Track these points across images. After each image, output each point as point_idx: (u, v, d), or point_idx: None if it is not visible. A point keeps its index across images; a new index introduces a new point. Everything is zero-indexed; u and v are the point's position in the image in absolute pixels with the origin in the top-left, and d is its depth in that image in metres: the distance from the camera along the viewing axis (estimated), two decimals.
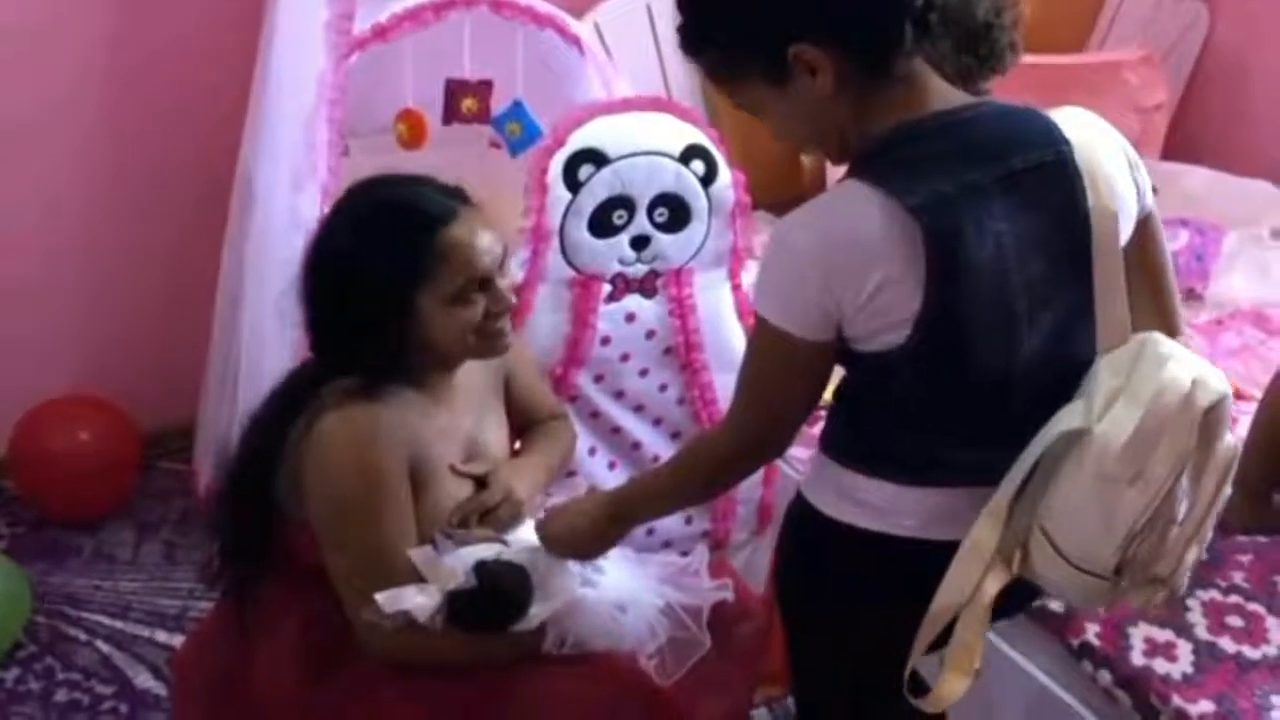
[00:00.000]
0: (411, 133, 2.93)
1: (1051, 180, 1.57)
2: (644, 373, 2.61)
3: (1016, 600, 1.78)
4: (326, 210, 1.94)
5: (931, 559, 1.65)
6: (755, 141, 3.60)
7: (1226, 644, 2.20)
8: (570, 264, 2.45)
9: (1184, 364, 1.58)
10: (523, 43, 2.95)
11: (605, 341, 2.53)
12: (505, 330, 1.92)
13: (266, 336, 2.78)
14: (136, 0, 3.12)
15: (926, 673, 1.74)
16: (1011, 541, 1.63)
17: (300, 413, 1.83)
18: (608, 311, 2.51)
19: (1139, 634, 2.21)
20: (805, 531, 1.80)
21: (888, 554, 1.70)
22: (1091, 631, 2.22)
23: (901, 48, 1.53)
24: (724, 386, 2.65)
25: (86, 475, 3.19)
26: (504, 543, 1.91)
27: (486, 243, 1.87)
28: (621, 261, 2.48)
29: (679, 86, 3.58)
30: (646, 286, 2.53)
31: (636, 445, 2.65)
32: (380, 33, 2.76)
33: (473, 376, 2.01)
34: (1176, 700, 2.10)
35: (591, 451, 2.61)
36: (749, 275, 2.86)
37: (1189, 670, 2.15)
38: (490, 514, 1.94)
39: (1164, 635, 2.21)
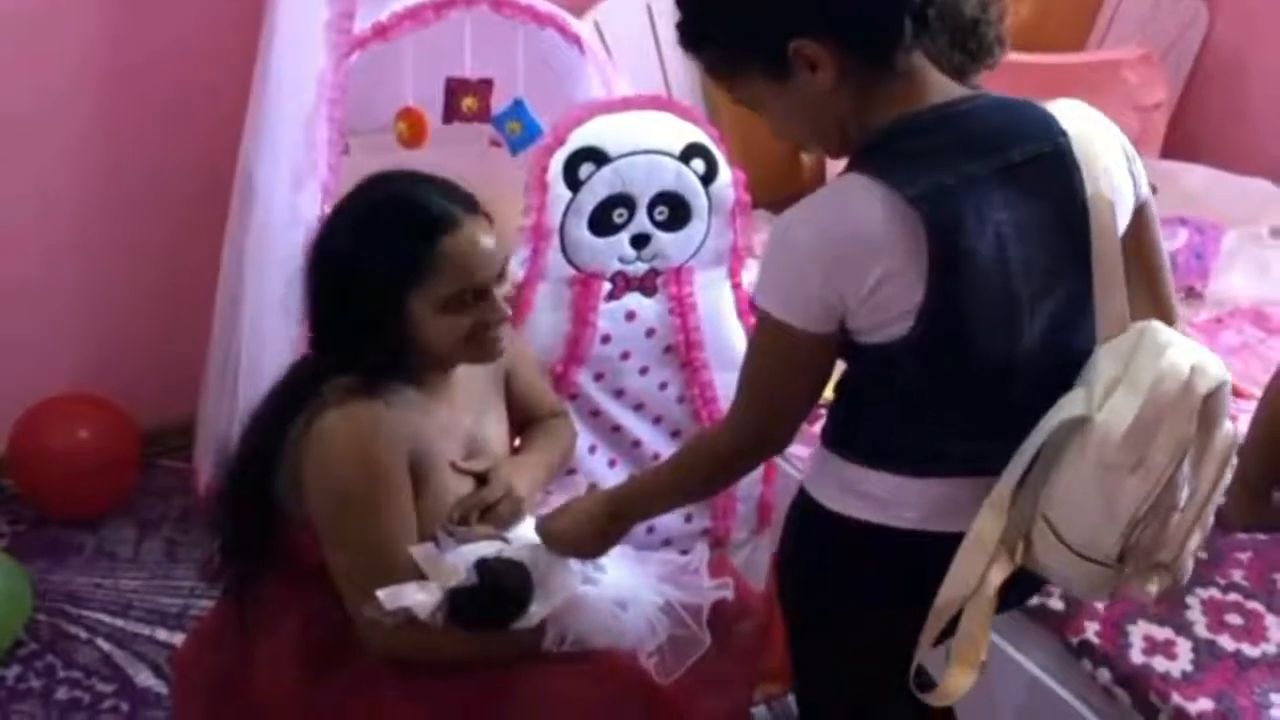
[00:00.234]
0: (412, 131, 2.93)
1: (1050, 171, 1.58)
2: (644, 371, 2.61)
3: (1020, 591, 1.79)
4: (332, 205, 1.93)
5: (933, 552, 1.65)
6: (755, 140, 3.60)
7: (1226, 642, 2.20)
8: (570, 262, 2.46)
9: (1183, 351, 1.59)
10: (523, 41, 2.95)
11: (605, 340, 2.53)
12: (499, 338, 1.91)
13: (267, 334, 2.78)
14: None
15: (933, 670, 1.75)
16: (1014, 531, 1.64)
17: (301, 410, 1.83)
18: (608, 310, 2.51)
19: (1138, 632, 2.21)
20: (808, 526, 1.81)
21: (890, 547, 1.71)
22: (1091, 630, 2.22)
23: (901, 43, 1.54)
24: (724, 385, 2.65)
25: (86, 473, 3.19)
26: (505, 540, 1.92)
27: (485, 253, 1.85)
28: (622, 260, 2.48)
29: (679, 85, 3.58)
30: (647, 285, 2.53)
31: (636, 443, 2.65)
32: (381, 31, 2.77)
33: (473, 374, 2.01)
34: (1176, 698, 2.10)
35: (592, 449, 2.61)
36: (749, 274, 2.86)
37: (1188, 668, 2.15)
38: (491, 511, 1.95)
39: (1163, 633, 2.21)
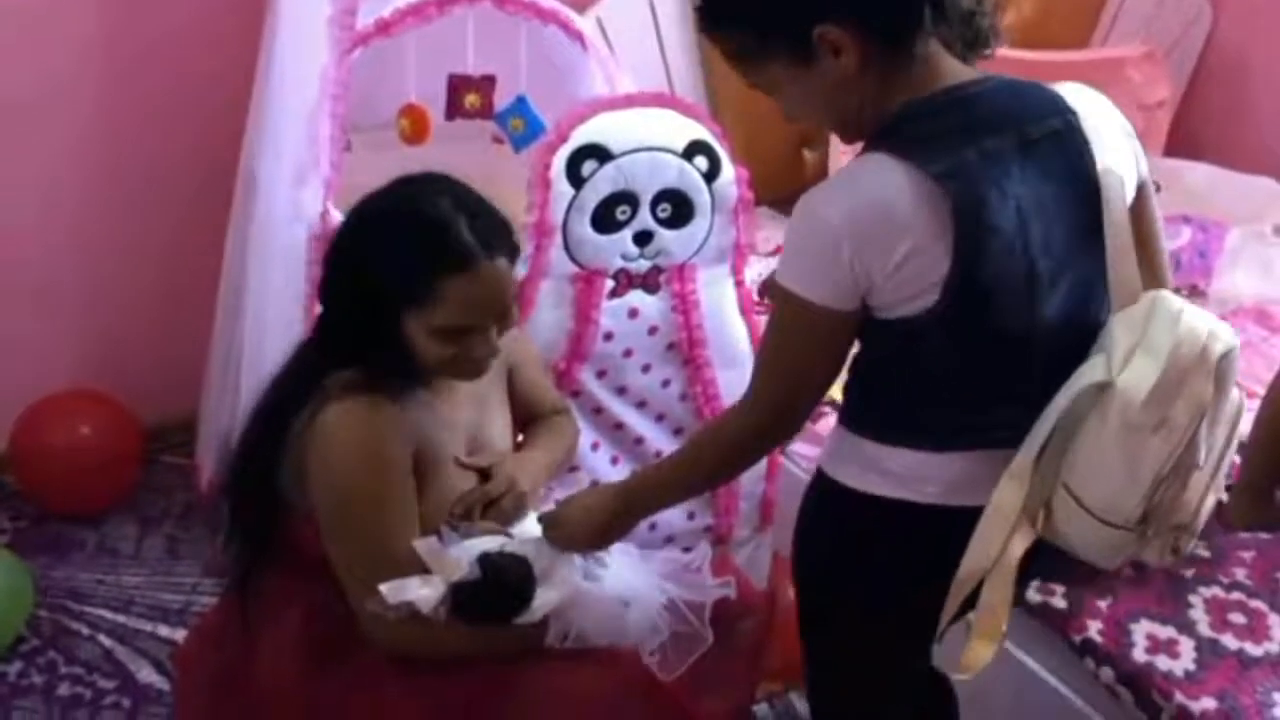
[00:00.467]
0: (414, 128, 2.93)
1: (1062, 148, 1.63)
2: (646, 368, 2.61)
3: (1039, 566, 1.81)
4: (375, 192, 1.88)
5: (954, 526, 1.68)
6: (758, 137, 3.61)
7: (1229, 641, 2.20)
8: (573, 259, 2.45)
9: (1198, 316, 1.65)
10: (526, 38, 2.95)
11: (608, 337, 2.53)
12: (483, 366, 1.90)
13: (269, 330, 2.78)
14: None
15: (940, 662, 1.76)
16: (1035, 501, 1.67)
17: (304, 403, 1.83)
18: (610, 307, 2.51)
19: (1141, 631, 2.21)
20: (826, 505, 1.83)
21: (911, 522, 1.74)
22: (1093, 628, 2.22)
23: (922, 28, 1.58)
24: (726, 383, 2.65)
25: (88, 469, 3.20)
26: (508, 535, 1.92)
27: (491, 299, 1.83)
28: (624, 257, 2.48)
29: (682, 82, 3.57)
30: (649, 282, 2.53)
31: (639, 441, 2.65)
32: (383, 28, 2.76)
33: None
34: (1179, 697, 2.10)
35: (594, 447, 2.61)
36: (752, 271, 2.87)
37: (1191, 667, 2.15)
38: (494, 506, 1.94)
39: (1166, 632, 2.21)
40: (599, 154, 2.38)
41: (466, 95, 2.97)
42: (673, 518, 2.72)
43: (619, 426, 2.63)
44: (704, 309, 2.59)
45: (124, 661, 2.82)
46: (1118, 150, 1.68)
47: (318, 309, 2.63)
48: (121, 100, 3.21)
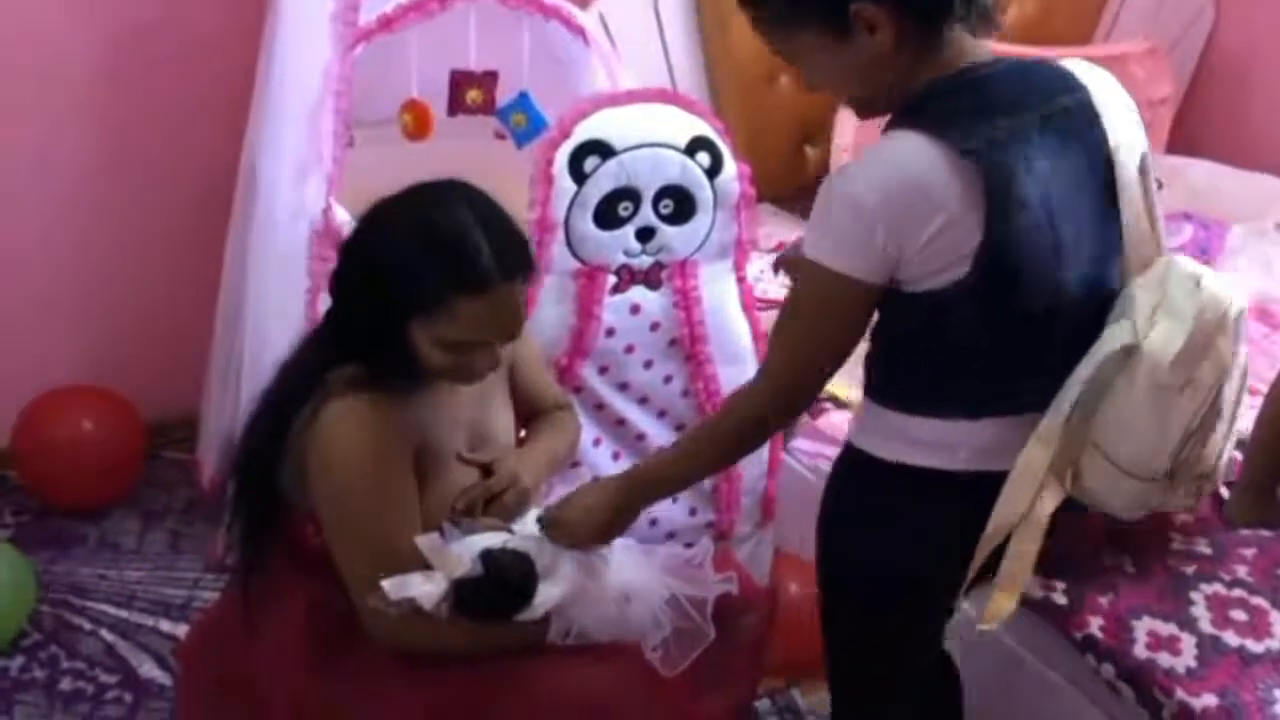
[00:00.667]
0: (417, 123, 2.93)
1: (1077, 122, 1.70)
2: (648, 364, 2.61)
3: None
4: (403, 190, 1.86)
5: (983, 491, 1.75)
6: (760, 133, 3.62)
7: (1230, 638, 2.20)
8: (575, 255, 2.46)
9: (1217, 281, 1.74)
10: (528, 34, 2.95)
11: (610, 333, 2.53)
12: (484, 375, 1.90)
13: (271, 326, 2.78)
14: None
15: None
16: (1063, 461, 1.75)
17: (306, 398, 1.83)
18: (612, 303, 2.51)
19: (1142, 627, 2.21)
20: (852, 478, 1.89)
21: (940, 488, 1.79)
22: (1095, 625, 2.22)
23: (953, 9, 1.63)
24: (728, 379, 2.65)
25: (90, 465, 3.20)
26: (510, 531, 1.92)
27: (501, 322, 1.83)
28: (626, 253, 2.48)
29: (684, 78, 3.57)
30: (651, 278, 2.53)
31: (641, 437, 2.65)
32: (386, 23, 2.76)
33: None
34: (1180, 694, 2.10)
35: (596, 442, 2.61)
36: (754, 267, 2.87)
37: (1192, 664, 2.15)
38: (496, 502, 1.95)
39: (1167, 629, 2.21)
40: (601, 150, 2.38)
41: (469, 91, 2.98)
42: (674, 513, 2.72)
43: (621, 422, 2.63)
44: (706, 305, 2.59)
45: (126, 656, 2.82)
46: (1124, 124, 1.74)
47: (320, 305, 2.64)
48: (124, 97, 3.21)
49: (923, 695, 2.12)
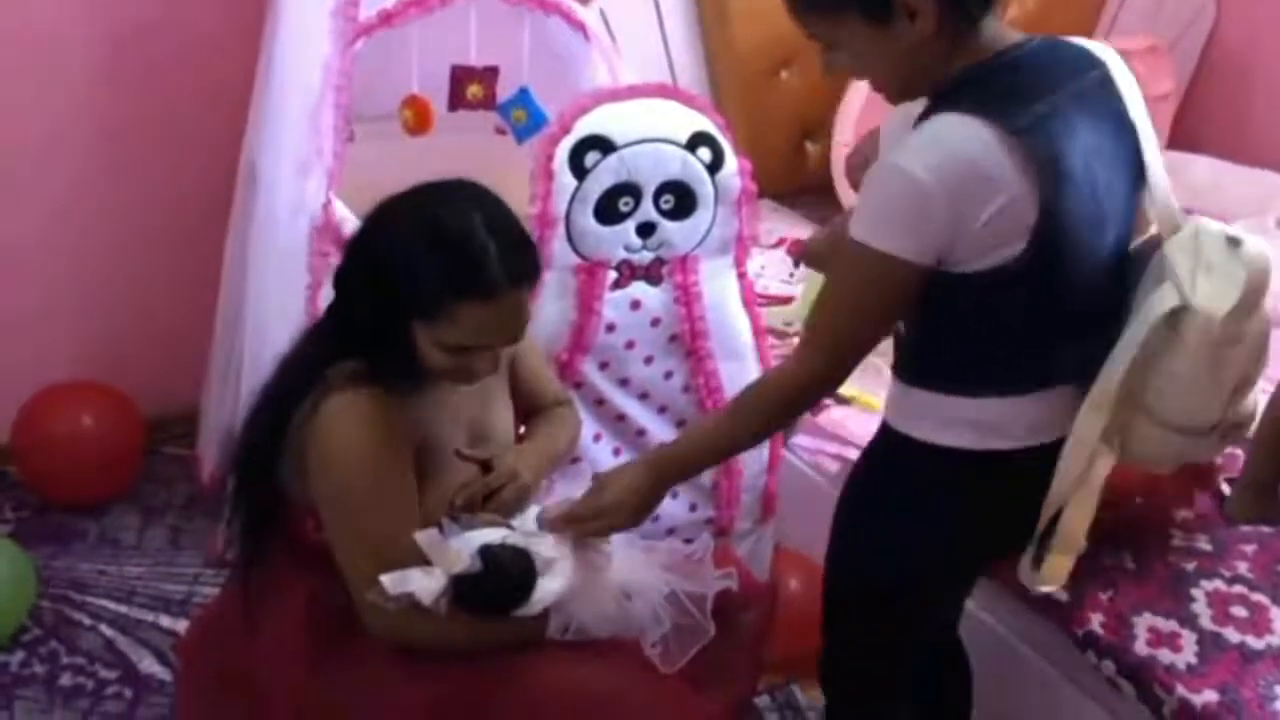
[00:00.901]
0: (417, 119, 2.92)
1: (1103, 97, 1.75)
2: (649, 360, 2.60)
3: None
4: (410, 190, 1.85)
5: (1028, 466, 1.82)
6: (761, 129, 3.62)
7: (1231, 634, 2.19)
8: (576, 251, 2.45)
9: (1255, 241, 1.77)
10: (528, 29, 2.95)
11: (610, 328, 2.53)
12: (483, 376, 1.90)
13: (271, 322, 2.78)
14: None
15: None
16: (1112, 427, 1.79)
17: (306, 393, 1.83)
18: (613, 299, 2.51)
19: (1143, 624, 2.21)
20: (898, 460, 1.90)
21: (991, 468, 1.82)
22: (1096, 621, 2.22)
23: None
24: (729, 374, 2.65)
25: (90, 460, 3.20)
26: (509, 527, 1.91)
27: (504, 327, 1.83)
28: (627, 248, 2.48)
29: (685, 73, 3.57)
30: (652, 274, 2.53)
31: (641, 432, 2.65)
32: (386, 18, 2.76)
33: None
34: (1180, 690, 2.10)
35: (596, 438, 2.61)
36: (754, 263, 2.87)
37: (1193, 660, 2.15)
38: (495, 497, 1.94)
39: (1168, 625, 2.21)
40: (602, 145, 2.37)
41: (469, 86, 2.97)
42: (675, 509, 2.72)
43: (621, 418, 2.63)
44: (706, 301, 2.59)
45: (126, 652, 2.82)
46: (1136, 98, 1.78)
47: (320, 301, 2.64)
48: (124, 95, 3.20)
49: (925, 694, 2.13)
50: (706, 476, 2.71)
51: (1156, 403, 1.80)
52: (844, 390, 2.95)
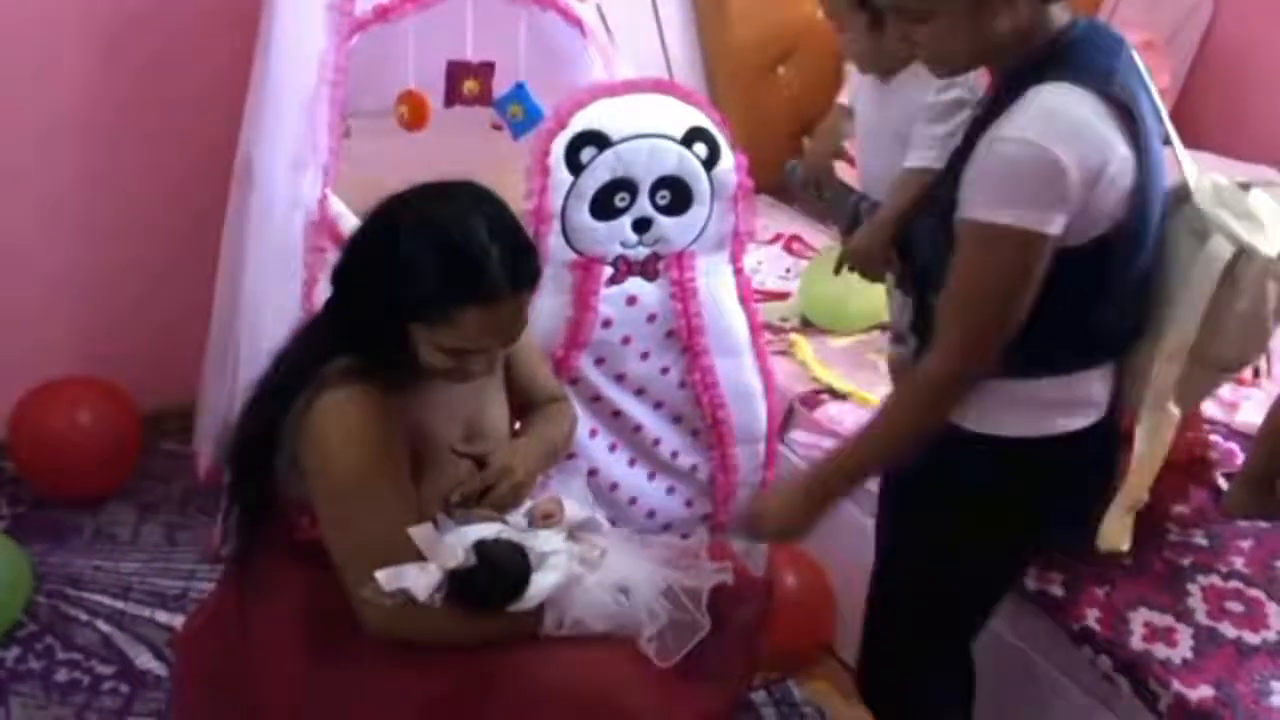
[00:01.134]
0: (413, 114, 2.92)
1: (1138, 72, 1.80)
2: (645, 356, 2.60)
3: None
4: (413, 191, 1.85)
5: (1083, 448, 1.86)
6: (758, 125, 3.61)
7: (1227, 629, 2.20)
8: (572, 246, 2.45)
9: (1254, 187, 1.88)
10: (525, 25, 2.95)
11: (606, 324, 2.53)
12: (479, 376, 1.91)
13: (267, 317, 2.78)
14: None
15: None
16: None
17: (301, 389, 1.83)
18: (609, 294, 2.51)
19: (1139, 619, 2.21)
20: (956, 461, 1.86)
21: (1055, 451, 1.85)
22: (1091, 616, 2.22)
23: None
24: (725, 370, 2.65)
25: (87, 456, 3.19)
26: (504, 522, 1.92)
27: (502, 329, 1.83)
28: (623, 244, 2.48)
29: (681, 69, 3.57)
30: (648, 269, 2.52)
31: (638, 428, 2.65)
32: (382, 14, 2.76)
33: None
34: (1176, 685, 2.10)
35: (592, 434, 2.61)
36: (751, 259, 2.86)
37: (1189, 655, 2.15)
38: (490, 493, 1.94)
39: (1164, 620, 2.21)
40: (598, 141, 2.37)
41: (465, 82, 2.97)
42: (671, 505, 2.72)
43: (617, 414, 2.63)
44: (702, 296, 2.59)
45: (122, 647, 2.82)
46: (1148, 77, 1.84)
47: (316, 296, 2.64)
48: (120, 89, 3.20)
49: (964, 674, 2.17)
50: (703, 472, 2.71)
51: (1213, 347, 1.83)
52: (840, 385, 2.95)
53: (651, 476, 2.69)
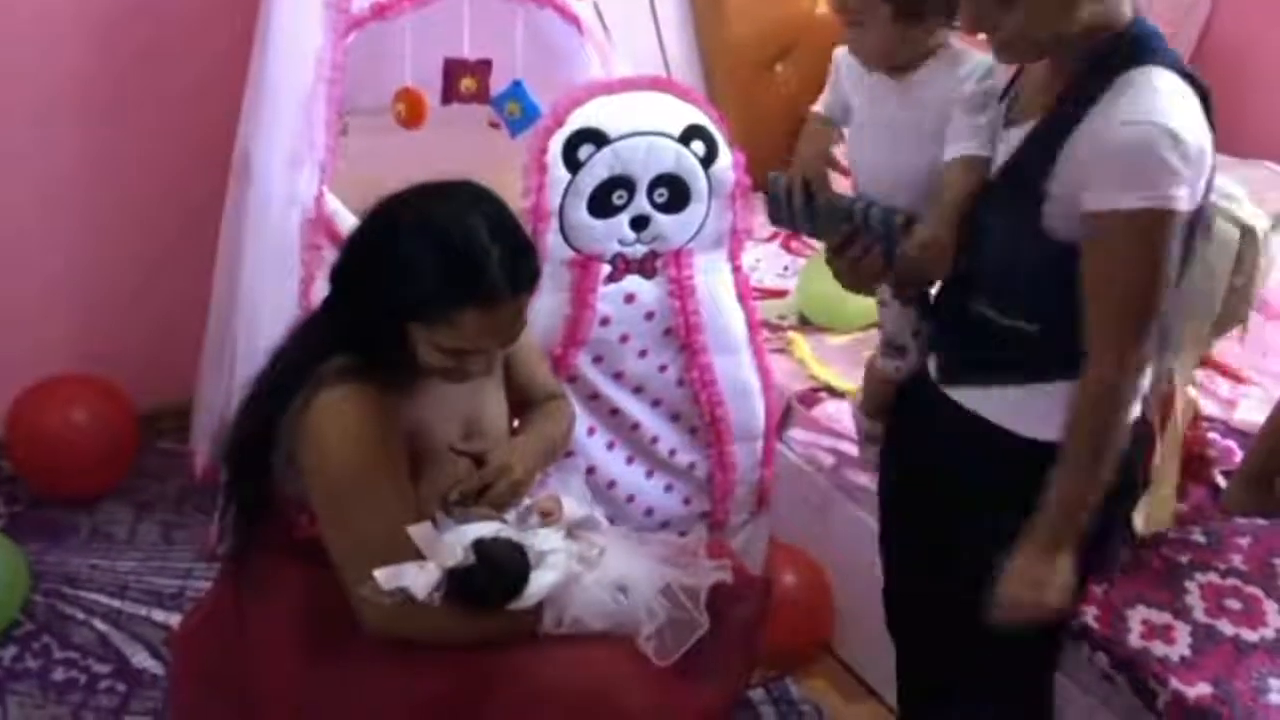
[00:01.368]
0: (410, 112, 2.92)
1: None
2: (643, 354, 2.60)
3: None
4: (416, 192, 1.84)
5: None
6: (755, 122, 3.60)
7: (1225, 627, 2.20)
8: (570, 244, 2.45)
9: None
10: (522, 22, 2.95)
11: (605, 322, 2.52)
12: (476, 376, 1.90)
13: (264, 315, 2.77)
14: None
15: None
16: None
17: (299, 387, 1.82)
18: (607, 292, 2.50)
19: (1137, 617, 2.21)
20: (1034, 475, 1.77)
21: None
22: (1089, 614, 2.22)
23: None
24: (723, 368, 2.65)
25: (83, 455, 3.19)
26: (503, 521, 1.91)
27: (502, 332, 1.83)
28: (621, 242, 2.47)
29: (679, 66, 3.56)
30: (646, 267, 2.52)
31: (635, 426, 2.65)
32: (379, 11, 2.76)
33: None
34: (1174, 683, 2.10)
35: (590, 432, 2.60)
36: (749, 257, 2.86)
37: (1187, 653, 2.15)
38: (489, 492, 1.94)
39: (1162, 618, 2.21)
40: (595, 138, 2.37)
41: (462, 79, 2.96)
42: (669, 503, 2.72)
43: (615, 412, 2.63)
44: (700, 294, 2.58)
45: (119, 646, 2.82)
46: None
47: (313, 294, 2.63)
48: (116, 87, 3.20)
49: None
50: (701, 470, 2.71)
51: (1219, 320, 1.97)
52: (839, 383, 2.95)
53: (649, 474, 2.69)
